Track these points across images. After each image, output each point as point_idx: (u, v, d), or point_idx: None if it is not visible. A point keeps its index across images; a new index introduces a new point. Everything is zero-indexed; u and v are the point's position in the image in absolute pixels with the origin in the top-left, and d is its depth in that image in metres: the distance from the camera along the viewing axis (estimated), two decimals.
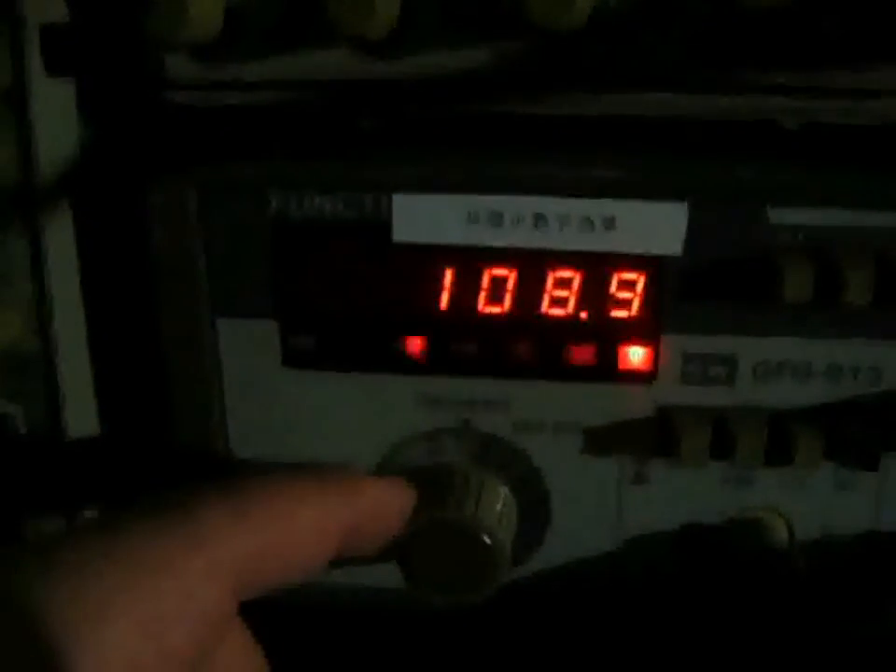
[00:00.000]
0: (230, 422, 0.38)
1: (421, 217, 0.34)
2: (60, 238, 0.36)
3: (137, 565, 0.25)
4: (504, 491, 0.36)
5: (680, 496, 0.37)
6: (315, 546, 0.30)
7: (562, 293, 0.34)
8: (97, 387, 0.39)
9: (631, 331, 0.35)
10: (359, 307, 0.35)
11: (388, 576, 0.34)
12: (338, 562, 0.31)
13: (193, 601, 0.25)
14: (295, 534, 0.29)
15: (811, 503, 0.37)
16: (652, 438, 0.36)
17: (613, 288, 0.34)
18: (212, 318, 0.36)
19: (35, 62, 0.34)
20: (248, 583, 0.27)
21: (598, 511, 0.38)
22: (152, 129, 0.35)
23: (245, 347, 0.36)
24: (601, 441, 0.36)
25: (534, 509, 0.38)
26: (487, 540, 0.34)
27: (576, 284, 0.34)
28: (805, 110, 0.33)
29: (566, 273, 0.34)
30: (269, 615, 0.31)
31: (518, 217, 0.33)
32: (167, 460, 0.38)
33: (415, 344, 0.35)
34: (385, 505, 0.33)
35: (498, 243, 0.34)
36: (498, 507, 0.36)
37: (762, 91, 0.32)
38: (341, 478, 0.31)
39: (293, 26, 0.32)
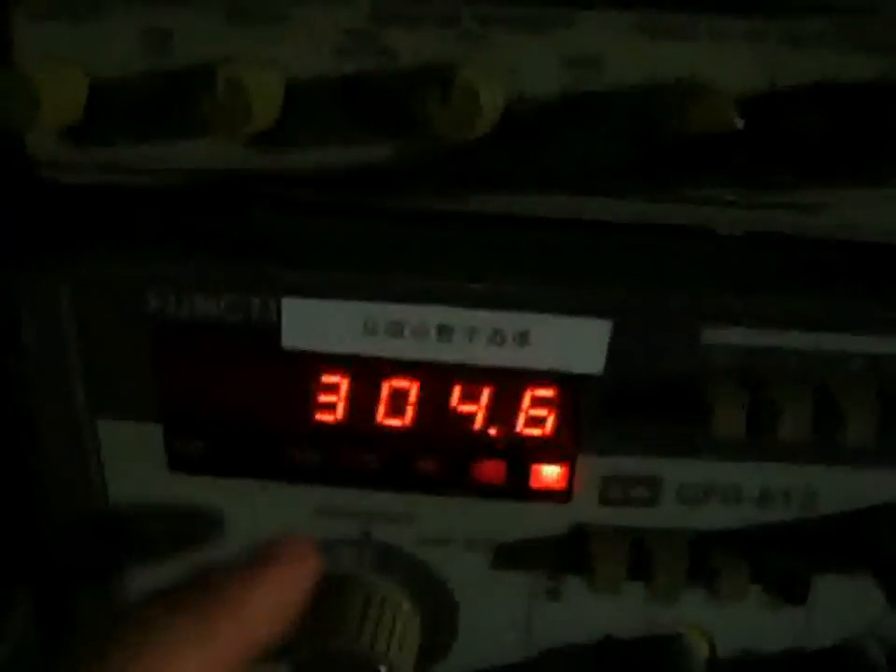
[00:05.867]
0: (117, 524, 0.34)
1: (313, 324, 0.30)
2: None
3: None
4: (406, 608, 0.34)
5: (596, 613, 0.35)
6: None
7: (469, 408, 0.31)
8: None
9: (545, 450, 0.31)
10: (248, 414, 0.32)
11: None
12: None
13: None
14: None
15: (735, 619, 0.35)
16: (567, 556, 0.33)
17: (525, 405, 0.31)
18: (92, 420, 0.32)
19: None
20: None
21: (509, 626, 0.35)
22: (21, 217, 0.31)
23: (130, 450, 0.33)
24: (513, 556, 0.33)
25: (440, 622, 0.35)
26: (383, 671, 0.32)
27: (484, 399, 0.31)
28: (744, 220, 0.29)
29: (473, 387, 0.31)
30: None
31: (420, 329, 0.30)
32: (49, 560, 0.36)
33: (309, 455, 0.32)
34: (278, 606, 0.30)
35: (398, 355, 0.30)
36: (399, 629, 0.33)
37: (699, 202, 0.29)
38: (223, 597, 0.28)
39: (173, 111, 0.28)
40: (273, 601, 0.29)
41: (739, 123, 0.26)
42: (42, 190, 0.31)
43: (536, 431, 0.31)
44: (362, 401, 0.31)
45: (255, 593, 0.28)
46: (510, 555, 0.34)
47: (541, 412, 0.31)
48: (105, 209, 0.31)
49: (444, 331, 0.30)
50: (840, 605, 0.35)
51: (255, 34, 0.28)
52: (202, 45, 0.28)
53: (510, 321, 0.30)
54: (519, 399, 0.31)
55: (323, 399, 0.31)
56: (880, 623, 0.35)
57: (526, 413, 0.31)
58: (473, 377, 0.31)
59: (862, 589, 0.34)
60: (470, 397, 0.31)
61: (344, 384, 0.31)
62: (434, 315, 0.30)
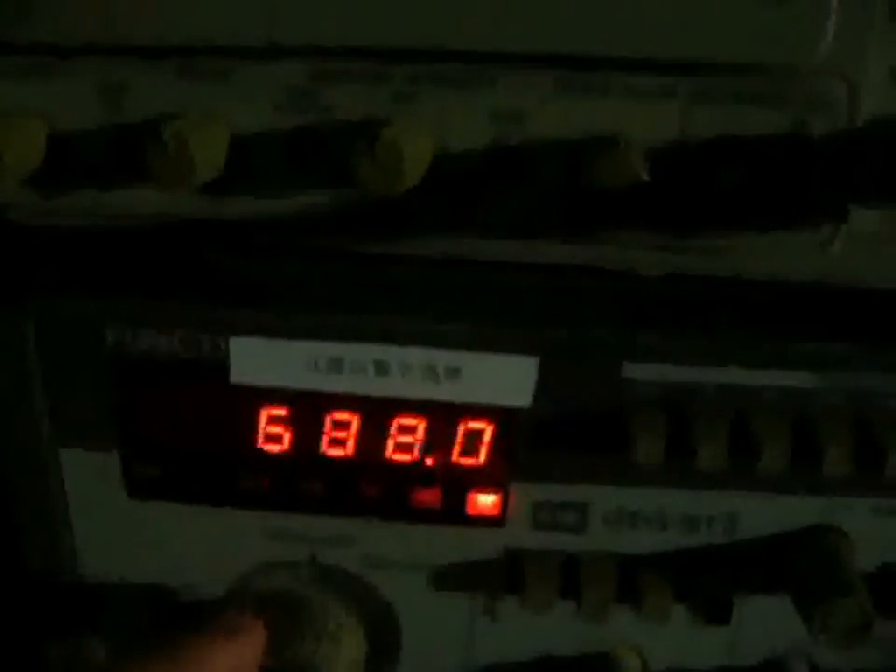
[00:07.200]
0: (79, 548, 0.36)
1: (260, 361, 0.32)
2: None
3: None
4: (351, 625, 0.35)
5: (532, 630, 0.36)
6: None
7: (406, 439, 0.33)
8: None
9: (478, 478, 0.33)
10: (201, 444, 0.34)
11: None
12: None
13: None
14: None
15: (666, 637, 0.37)
16: (502, 577, 0.35)
17: (459, 437, 0.33)
18: (55, 449, 0.34)
19: None
20: None
21: (449, 643, 0.37)
22: None
23: (91, 477, 0.35)
24: (451, 578, 0.35)
25: (384, 640, 0.37)
26: None
27: (420, 430, 0.33)
28: (665, 262, 0.31)
29: (409, 420, 0.33)
30: None
31: (359, 365, 0.32)
32: (18, 588, 0.37)
33: (257, 482, 0.34)
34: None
35: (339, 389, 0.32)
36: (344, 644, 0.35)
37: (621, 247, 0.31)
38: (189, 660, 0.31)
39: (126, 162, 0.30)
40: (231, 666, 0.32)
41: (645, 175, 0.28)
42: (6, 232, 0.33)
43: (470, 461, 0.33)
44: (306, 433, 0.33)
45: (215, 657, 0.31)
46: (449, 577, 0.35)
47: (474, 443, 0.33)
48: (68, 250, 0.33)
49: (381, 367, 0.32)
50: (766, 623, 0.37)
51: (203, 90, 0.30)
52: (154, 99, 0.30)
53: (442, 358, 0.32)
54: (453, 431, 0.33)
55: (269, 430, 0.33)
56: (805, 641, 0.37)
57: (460, 444, 0.33)
58: (409, 410, 0.33)
59: (788, 608, 0.36)
60: (407, 429, 0.33)
61: (289, 416, 0.33)
62: (371, 352, 0.32)
